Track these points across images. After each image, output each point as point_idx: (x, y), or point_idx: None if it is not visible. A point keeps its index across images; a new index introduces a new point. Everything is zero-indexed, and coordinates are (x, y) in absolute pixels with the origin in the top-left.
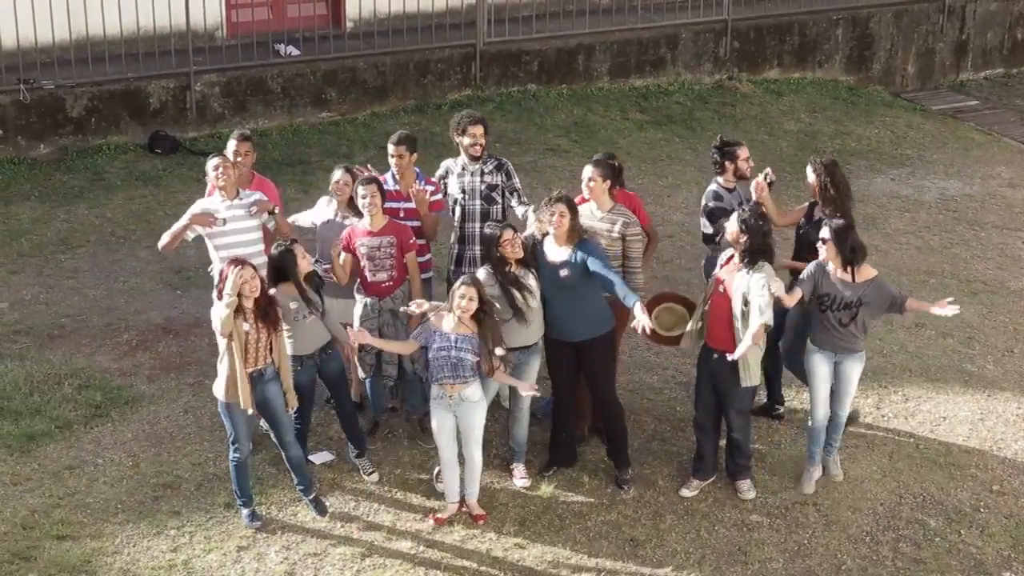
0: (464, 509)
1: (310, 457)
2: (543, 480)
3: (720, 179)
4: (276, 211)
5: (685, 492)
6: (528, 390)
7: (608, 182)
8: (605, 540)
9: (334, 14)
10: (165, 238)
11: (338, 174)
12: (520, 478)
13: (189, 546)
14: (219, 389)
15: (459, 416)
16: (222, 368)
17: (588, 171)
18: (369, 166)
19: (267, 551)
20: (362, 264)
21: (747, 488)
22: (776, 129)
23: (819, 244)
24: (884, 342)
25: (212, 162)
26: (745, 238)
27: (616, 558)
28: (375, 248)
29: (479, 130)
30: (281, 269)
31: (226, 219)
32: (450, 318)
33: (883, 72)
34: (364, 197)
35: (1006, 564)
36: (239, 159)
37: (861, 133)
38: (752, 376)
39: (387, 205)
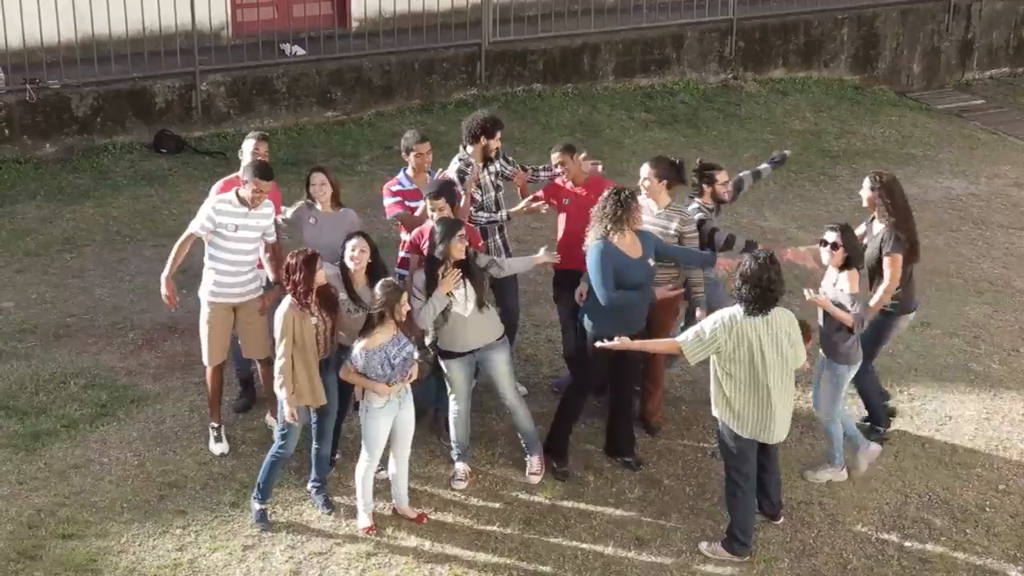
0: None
1: None
2: (548, 479)
3: (698, 200)
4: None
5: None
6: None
7: (664, 181)
8: (610, 539)
9: (339, 14)
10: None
11: (312, 176)
12: (531, 472)
13: (195, 545)
14: (283, 392)
15: (401, 412)
16: (293, 373)
17: (644, 170)
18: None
19: (272, 550)
20: None
21: (706, 547)
22: (781, 128)
23: (823, 248)
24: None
25: (251, 184)
26: (747, 288)
27: (621, 557)
28: None
29: (500, 132)
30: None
31: (238, 226)
32: (389, 327)
33: (888, 71)
34: (442, 210)
35: (1012, 563)
36: (258, 159)
37: (866, 132)
38: (714, 408)
39: (408, 203)
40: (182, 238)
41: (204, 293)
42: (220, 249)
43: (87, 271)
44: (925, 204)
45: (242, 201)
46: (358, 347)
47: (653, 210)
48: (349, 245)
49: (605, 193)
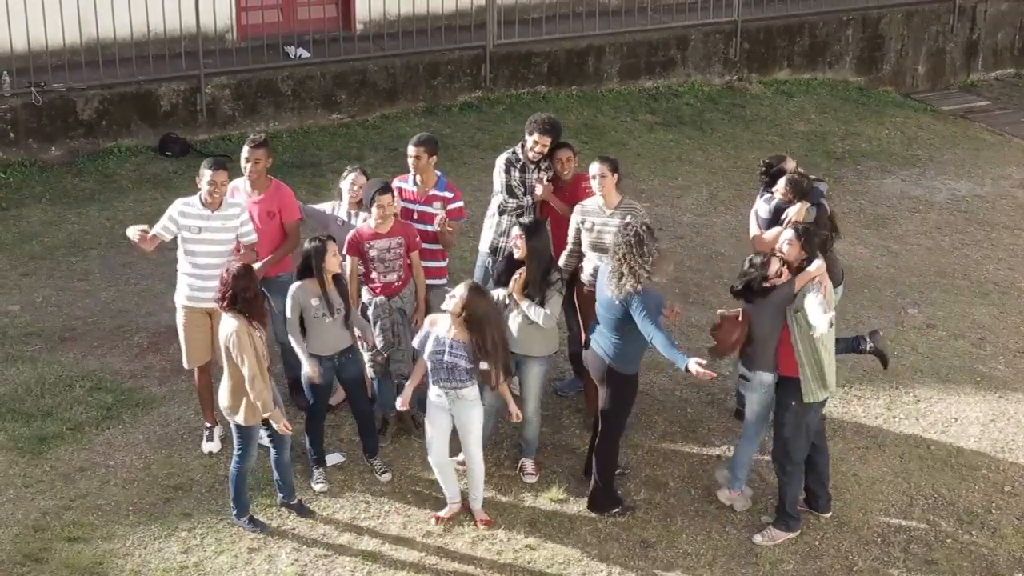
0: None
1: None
2: (553, 482)
3: (774, 192)
4: (256, 258)
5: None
6: (512, 417)
7: (616, 176)
8: (615, 542)
9: (344, 16)
10: (133, 235)
11: (352, 176)
12: (528, 474)
13: (200, 548)
14: (240, 415)
15: (455, 414)
16: (245, 391)
17: (596, 167)
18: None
19: (278, 553)
20: (372, 266)
21: (762, 539)
22: (786, 130)
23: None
24: (895, 343)
25: (206, 174)
26: (806, 253)
27: (627, 559)
28: (385, 250)
29: (546, 139)
30: (309, 263)
31: (201, 228)
32: (445, 320)
33: (893, 73)
34: (383, 206)
35: (1018, 565)
36: (249, 165)
37: (871, 134)
38: (814, 390)
39: (403, 206)
40: (151, 233)
41: (179, 298)
42: (190, 254)
43: (92, 274)
44: (930, 205)
45: (204, 203)
46: (428, 322)
47: (606, 211)
48: (330, 249)
49: (631, 240)
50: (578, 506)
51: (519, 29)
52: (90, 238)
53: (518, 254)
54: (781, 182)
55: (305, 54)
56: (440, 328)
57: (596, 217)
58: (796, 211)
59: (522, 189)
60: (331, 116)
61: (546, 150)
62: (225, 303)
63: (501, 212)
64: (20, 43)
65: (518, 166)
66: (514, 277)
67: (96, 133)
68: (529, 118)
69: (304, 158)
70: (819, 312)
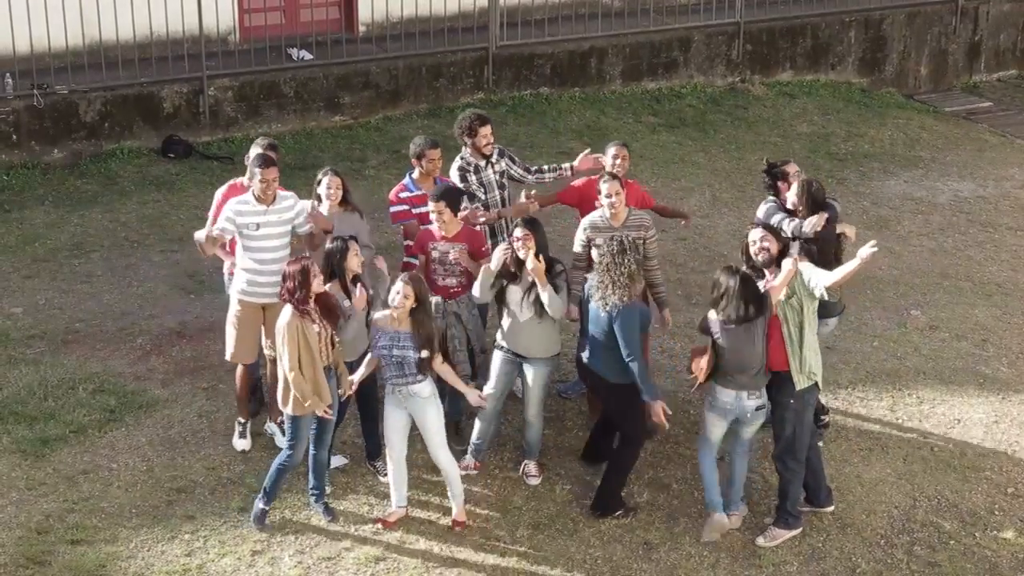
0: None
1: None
2: (556, 484)
3: (775, 200)
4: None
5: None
6: (476, 401)
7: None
8: (619, 543)
9: (347, 18)
10: (202, 237)
11: (327, 179)
12: (531, 476)
13: (203, 550)
14: (289, 405)
15: (413, 413)
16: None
17: (609, 186)
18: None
19: (281, 555)
20: (432, 267)
21: (764, 540)
22: (789, 132)
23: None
24: (898, 344)
25: (257, 173)
26: (779, 246)
27: (630, 561)
28: (446, 253)
29: (488, 129)
30: (333, 265)
31: (259, 224)
32: (388, 315)
33: (896, 74)
34: (441, 213)
35: (1021, 567)
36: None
37: (874, 135)
38: (805, 376)
39: (404, 209)
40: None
41: (234, 291)
42: (248, 249)
43: (95, 276)
44: (933, 207)
45: (258, 199)
46: (373, 325)
47: (615, 226)
48: (352, 249)
49: (615, 250)
50: (582, 508)
51: (522, 31)
52: (93, 240)
53: (523, 254)
54: (792, 192)
55: (307, 56)
56: (384, 324)
57: (609, 233)
58: (812, 225)
59: (482, 189)
60: (334, 118)
61: (478, 146)
62: (283, 295)
63: None
64: (23, 45)
65: (471, 169)
66: (531, 266)
67: (98, 135)
68: (455, 126)
69: (306, 160)
70: (818, 271)
